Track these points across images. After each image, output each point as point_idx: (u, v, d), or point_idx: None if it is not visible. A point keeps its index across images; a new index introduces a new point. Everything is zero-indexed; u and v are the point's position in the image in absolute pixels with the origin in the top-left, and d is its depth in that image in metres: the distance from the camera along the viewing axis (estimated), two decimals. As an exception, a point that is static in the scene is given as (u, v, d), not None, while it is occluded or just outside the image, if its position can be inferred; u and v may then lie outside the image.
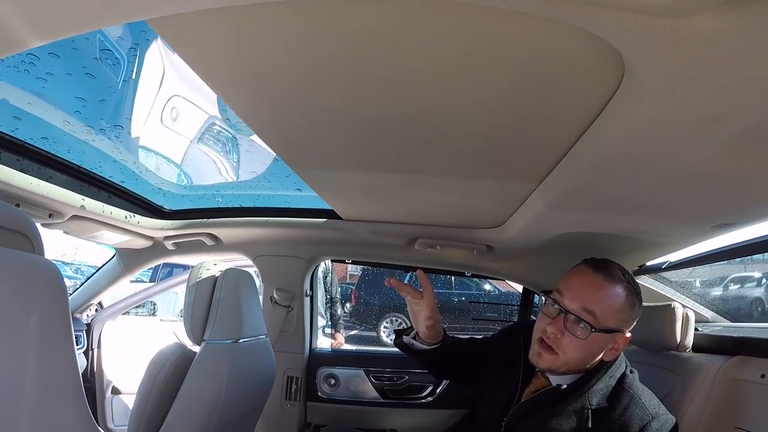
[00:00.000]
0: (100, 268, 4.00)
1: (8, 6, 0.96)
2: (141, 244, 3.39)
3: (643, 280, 3.05)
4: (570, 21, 0.88)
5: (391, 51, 1.15)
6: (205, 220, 3.28)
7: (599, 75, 1.15)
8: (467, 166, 1.90)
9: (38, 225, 1.29)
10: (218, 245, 3.42)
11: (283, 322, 3.35)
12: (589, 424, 1.80)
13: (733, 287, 8.47)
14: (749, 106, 1.09)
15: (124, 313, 4.49)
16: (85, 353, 4.03)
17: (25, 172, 2.23)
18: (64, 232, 2.88)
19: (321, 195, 2.55)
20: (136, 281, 9.43)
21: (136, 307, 5.08)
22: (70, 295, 3.95)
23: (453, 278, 10.96)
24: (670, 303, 2.46)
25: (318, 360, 3.50)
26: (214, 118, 3.32)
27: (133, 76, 2.70)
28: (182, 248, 3.48)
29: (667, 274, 3.05)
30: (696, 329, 2.51)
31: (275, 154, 2.19)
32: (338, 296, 5.23)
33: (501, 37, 1.05)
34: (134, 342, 4.48)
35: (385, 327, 10.88)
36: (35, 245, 1.19)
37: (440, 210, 2.61)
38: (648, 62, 0.97)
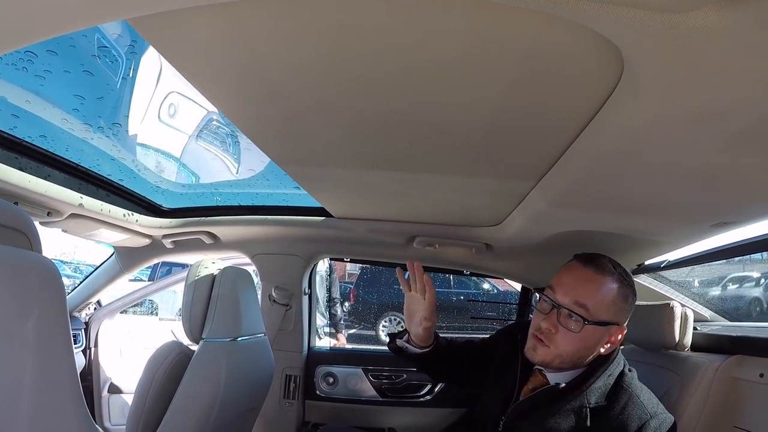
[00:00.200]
0: (99, 266, 3.99)
1: None
2: (139, 242, 3.38)
3: (642, 279, 3.05)
4: (569, 17, 0.88)
5: (387, 47, 1.15)
6: (203, 218, 3.28)
7: (598, 72, 1.15)
8: (465, 163, 1.90)
9: (37, 223, 1.29)
10: (217, 243, 3.41)
11: (282, 320, 3.34)
12: (588, 423, 1.80)
13: (732, 287, 8.49)
14: (749, 104, 1.09)
15: (122, 312, 4.49)
16: (83, 352, 4.02)
17: (23, 171, 2.23)
18: (63, 231, 2.87)
19: (314, 194, 2.55)
20: (135, 280, 9.44)
21: (134, 305, 5.07)
22: (69, 293, 3.96)
23: (451, 277, 10.97)
24: (668, 302, 2.46)
25: (316, 358, 3.50)
26: (212, 116, 3.32)
27: (131, 74, 2.70)
28: (181, 246, 3.48)
29: (666, 274, 3.05)
30: (695, 328, 2.51)
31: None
32: (339, 296, 5.23)
33: (499, 33, 1.05)
34: (132, 341, 4.48)
35: (383, 326, 10.88)
36: (33, 243, 1.19)
37: (439, 208, 2.61)
38: (647, 58, 0.97)
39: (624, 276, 1.93)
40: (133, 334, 4.60)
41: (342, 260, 3.88)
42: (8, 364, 0.99)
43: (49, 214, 2.51)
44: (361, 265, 11.57)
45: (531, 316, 2.00)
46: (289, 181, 2.35)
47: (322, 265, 4.49)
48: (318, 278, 4.20)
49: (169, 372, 2.12)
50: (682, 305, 2.49)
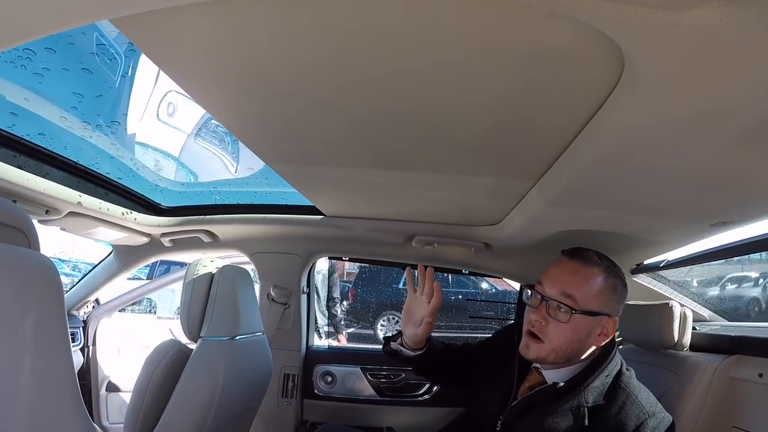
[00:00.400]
0: (97, 264, 3.99)
1: None
2: (138, 240, 3.38)
3: (641, 279, 3.05)
4: (570, 14, 0.87)
5: (385, 46, 1.14)
6: (201, 216, 3.28)
7: (598, 70, 1.15)
8: (465, 162, 1.90)
9: (35, 222, 1.29)
10: (215, 242, 3.41)
11: (280, 319, 3.35)
12: (586, 422, 1.81)
13: (731, 287, 8.50)
14: (750, 103, 1.09)
15: (120, 310, 4.49)
16: (82, 350, 4.02)
17: (22, 169, 2.23)
18: (61, 229, 2.87)
19: (311, 193, 2.56)
20: (133, 278, 9.44)
21: (133, 304, 5.07)
22: (67, 292, 3.96)
23: (450, 276, 10.97)
24: (667, 302, 2.46)
25: (315, 357, 3.50)
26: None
27: (130, 72, 2.70)
28: (179, 245, 3.48)
29: (665, 273, 3.05)
30: (694, 328, 2.51)
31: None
32: (339, 296, 5.23)
33: (498, 31, 1.04)
34: (130, 339, 4.47)
35: (382, 325, 10.87)
36: (31, 240, 1.19)
37: (438, 207, 2.61)
38: (648, 56, 0.97)
39: (611, 267, 1.97)
40: (132, 332, 4.60)
41: (341, 259, 3.87)
42: (7, 362, 0.99)
43: (47, 212, 2.51)
44: (359, 264, 11.58)
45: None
46: (289, 180, 2.36)
47: (324, 265, 4.49)
48: (320, 277, 4.20)
49: (167, 370, 2.12)
50: (681, 305, 2.49)
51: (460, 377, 2.50)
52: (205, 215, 3.28)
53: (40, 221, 2.56)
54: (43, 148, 2.39)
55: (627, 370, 1.96)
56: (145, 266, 11.41)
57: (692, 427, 2.15)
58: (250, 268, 3.23)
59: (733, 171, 1.52)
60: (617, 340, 2.93)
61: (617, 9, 0.82)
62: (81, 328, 4.01)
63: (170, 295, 8.76)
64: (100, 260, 3.97)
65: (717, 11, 0.79)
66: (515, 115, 1.45)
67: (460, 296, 10.84)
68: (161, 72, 1.40)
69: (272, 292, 3.29)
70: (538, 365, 2.04)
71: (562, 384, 1.90)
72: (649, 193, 1.83)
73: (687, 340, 2.44)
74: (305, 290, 3.52)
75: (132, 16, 1.04)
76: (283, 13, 1.05)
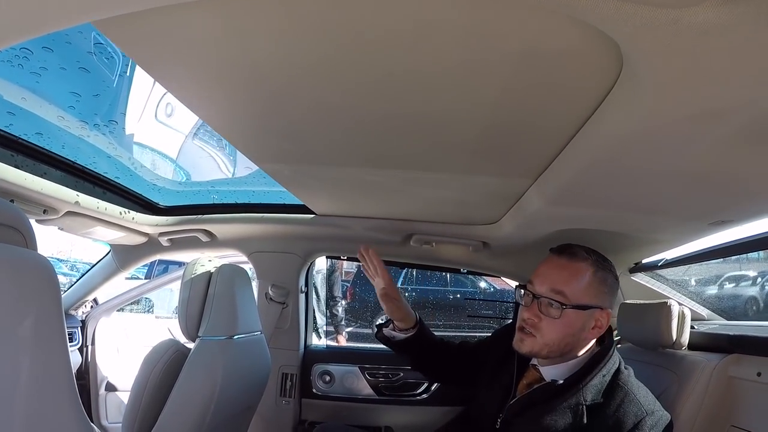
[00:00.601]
0: (95, 264, 3.99)
1: None
2: (136, 240, 3.38)
3: (639, 278, 3.06)
4: (568, 12, 0.87)
5: (383, 46, 1.14)
6: (199, 216, 3.28)
7: (597, 69, 1.15)
8: (463, 162, 1.90)
9: (33, 221, 1.29)
10: (213, 241, 3.42)
11: (278, 318, 3.35)
12: (584, 420, 1.81)
13: (729, 286, 8.51)
14: (749, 101, 1.09)
15: (118, 310, 4.49)
16: (80, 350, 4.02)
17: (19, 168, 2.22)
18: (59, 229, 2.87)
19: (307, 192, 2.56)
20: (131, 278, 9.44)
21: (131, 303, 5.07)
22: (65, 291, 3.96)
23: (449, 276, 10.98)
24: (666, 301, 2.45)
25: (313, 357, 3.50)
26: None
27: (128, 71, 2.69)
28: (177, 244, 3.48)
29: (663, 272, 3.05)
30: (692, 327, 2.51)
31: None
32: (340, 295, 5.22)
33: (496, 31, 1.04)
34: (129, 339, 4.47)
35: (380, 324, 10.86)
36: (28, 240, 1.19)
37: (436, 206, 2.61)
38: (647, 54, 0.97)
39: (599, 261, 1.98)
40: (130, 332, 4.60)
41: (339, 258, 3.88)
42: (4, 361, 0.99)
43: (45, 212, 2.51)
44: (358, 263, 11.56)
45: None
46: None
47: (323, 264, 4.50)
48: (319, 277, 4.21)
49: (166, 370, 2.12)
50: (680, 304, 2.49)
51: (457, 374, 2.52)
52: (203, 214, 3.29)
53: (37, 221, 2.56)
54: (40, 147, 2.39)
55: (625, 368, 1.96)
56: (144, 266, 11.42)
57: (690, 425, 2.15)
58: (248, 267, 3.22)
59: (732, 170, 1.52)
60: (615, 339, 2.93)
61: (616, 7, 0.82)
62: (79, 328, 4.01)
63: (168, 294, 8.77)
64: (98, 260, 3.97)
65: (715, 9, 0.79)
66: (513, 115, 1.45)
67: (458, 296, 10.86)
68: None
69: (270, 292, 3.29)
70: (535, 363, 2.06)
71: (560, 382, 1.91)
72: (647, 192, 1.83)
73: (685, 339, 2.44)
74: (303, 289, 3.52)
75: (113, 18, 1.04)
76: (275, 11, 1.05)
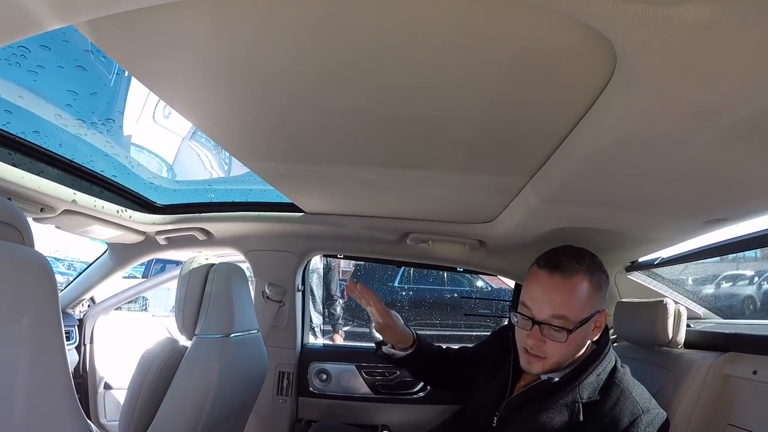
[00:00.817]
0: (92, 263, 3.99)
1: None
2: (133, 238, 3.39)
3: (636, 276, 3.06)
4: (562, 10, 0.88)
5: (378, 43, 1.15)
6: (196, 214, 3.28)
7: (591, 67, 1.15)
8: (458, 160, 1.91)
9: (30, 220, 1.29)
10: (210, 240, 3.42)
11: (275, 317, 3.35)
12: (581, 418, 1.81)
13: (726, 285, 8.52)
14: (742, 99, 1.09)
15: (116, 309, 4.49)
16: (77, 349, 4.02)
17: (16, 167, 2.23)
18: (56, 227, 2.87)
19: (300, 190, 2.57)
20: (128, 277, 9.43)
21: (128, 302, 5.07)
22: (62, 290, 3.96)
23: (446, 275, 10.99)
24: (662, 299, 2.46)
25: (310, 355, 3.51)
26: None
27: (125, 70, 2.69)
28: (174, 243, 3.49)
29: (660, 271, 3.06)
30: (688, 326, 2.52)
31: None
32: (337, 294, 5.21)
33: (491, 29, 1.04)
34: (127, 337, 4.47)
35: (378, 323, 10.86)
36: (25, 237, 1.19)
37: (432, 205, 2.61)
38: (640, 53, 0.97)
39: (590, 264, 1.92)
40: (128, 330, 4.59)
41: (335, 257, 3.88)
42: (3, 358, 0.99)
43: (42, 210, 2.51)
44: (354, 262, 11.59)
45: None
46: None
47: (319, 263, 4.50)
48: (314, 276, 4.21)
49: (162, 368, 2.13)
50: (676, 302, 2.49)
51: (457, 381, 2.52)
52: (200, 213, 3.29)
53: (35, 219, 2.56)
54: (37, 145, 2.39)
55: (622, 366, 1.96)
56: (141, 265, 11.41)
57: (686, 423, 2.15)
58: (245, 266, 3.23)
59: (726, 168, 1.53)
60: (612, 337, 2.94)
61: (608, 5, 0.83)
62: (76, 327, 4.01)
63: (165, 293, 8.75)
64: (95, 258, 3.97)
65: (707, 7, 0.80)
66: (508, 113, 1.46)
67: (455, 295, 10.87)
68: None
69: (267, 290, 3.30)
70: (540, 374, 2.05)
71: (557, 379, 1.91)
72: (642, 190, 1.83)
73: (681, 337, 2.44)
74: (300, 288, 3.52)
75: (98, 20, 1.04)
76: (264, 7, 1.05)
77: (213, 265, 2.31)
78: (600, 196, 1.96)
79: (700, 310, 3.04)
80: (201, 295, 2.25)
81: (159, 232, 3.36)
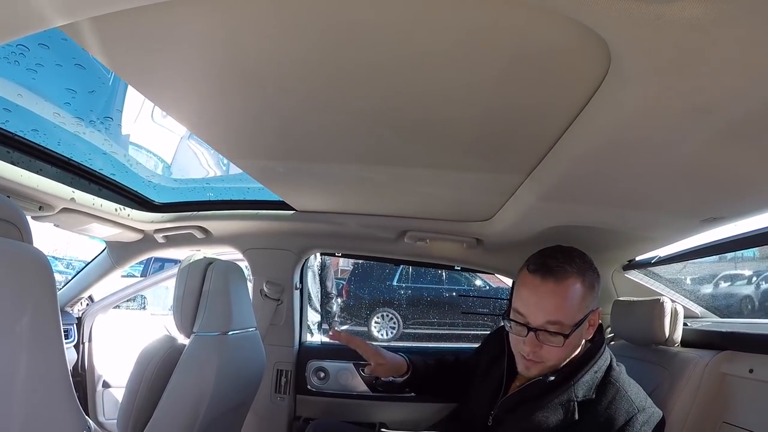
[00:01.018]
0: (91, 261, 3.99)
1: None
2: (131, 237, 3.39)
3: (633, 275, 3.07)
4: (556, 8, 0.88)
5: (373, 41, 1.15)
6: (195, 213, 3.29)
7: (586, 65, 1.15)
8: (455, 158, 1.91)
9: (29, 218, 1.29)
10: (208, 238, 3.43)
11: (273, 315, 3.36)
12: (576, 416, 1.81)
13: (724, 285, 8.54)
14: (736, 97, 1.10)
15: (114, 307, 4.49)
16: (76, 347, 4.03)
17: (15, 165, 2.23)
18: (55, 225, 2.87)
19: (298, 189, 2.58)
20: (127, 276, 9.45)
21: (127, 301, 5.08)
22: (61, 289, 3.96)
23: (444, 274, 11.01)
24: (658, 297, 2.46)
25: (308, 353, 3.51)
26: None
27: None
28: (172, 241, 3.49)
29: (658, 271, 3.06)
30: (685, 324, 2.52)
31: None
32: (334, 291, 5.22)
33: (486, 27, 1.05)
34: (125, 336, 4.48)
35: (376, 322, 10.89)
36: (24, 234, 1.19)
37: (429, 203, 2.62)
38: (633, 50, 0.98)
39: (581, 264, 1.89)
40: (127, 329, 4.60)
41: (333, 255, 3.89)
42: (3, 355, 1.00)
43: (41, 208, 2.51)
44: (353, 261, 11.62)
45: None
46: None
47: (314, 261, 4.50)
48: (310, 273, 4.21)
49: (161, 366, 2.13)
50: (673, 301, 2.49)
51: (458, 391, 2.51)
52: (199, 211, 3.29)
53: (33, 218, 2.56)
54: (36, 144, 2.40)
55: (617, 365, 1.95)
56: (140, 263, 11.43)
57: (682, 422, 2.16)
58: (243, 265, 3.23)
59: (722, 165, 1.54)
60: (609, 336, 2.94)
61: (601, 3, 0.83)
62: (75, 325, 4.02)
63: (164, 292, 8.77)
64: (94, 257, 3.97)
65: (699, 5, 0.80)
66: (505, 110, 1.46)
67: (453, 293, 10.89)
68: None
69: (265, 288, 3.30)
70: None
71: (552, 378, 1.90)
72: (638, 187, 1.84)
73: (678, 335, 2.44)
74: (298, 286, 3.53)
75: (84, 21, 1.04)
76: (249, 3, 1.06)
77: (211, 263, 2.31)
78: (597, 194, 1.96)
79: (697, 309, 3.04)
80: (199, 293, 2.25)
81: (157, 231, 3.36)
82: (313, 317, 4.36)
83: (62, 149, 2.55)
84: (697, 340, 2.44)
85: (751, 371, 2.02)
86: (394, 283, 11.08)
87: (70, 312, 4.01)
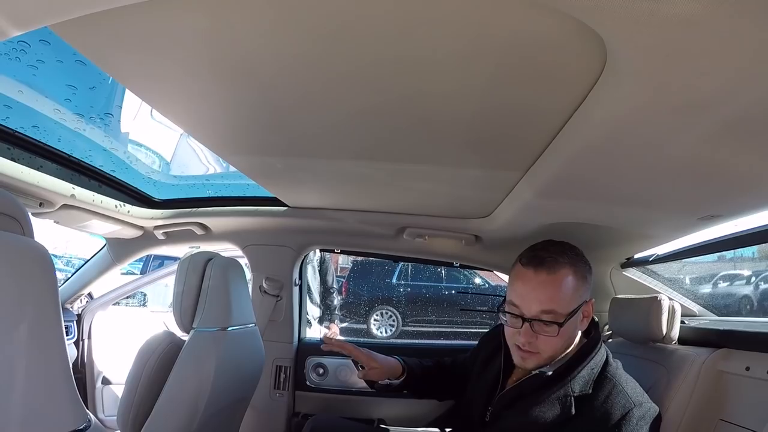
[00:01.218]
0: (90, 258, 4.00)
1: None
2: (131, 233, 3.40)
3: (631, 273, 3.07)
4: (551, 4, 0.89)
5: (370, 38, 1.16)
6: (194, 209, 3.30)
7: (582, 61, 1.16)
8: (453, 154, 1.92)
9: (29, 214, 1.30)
10: (208, 234, 3.43)
11: (272, 311, 3.37)
12: (572, 411, 1.82)
13: (723, 284, 8.54)
14: (731, 93, 1.10)
15: (114, 304, 4.50)
16: (76, 344, 4.04)
17: (15, 161, 2.24)
18: (55, 222, 2.88)
19: (296, 186, 2.59)
20: (127, 273, 9.45)
21: (126, 297, 5.08)
22: (61, 286, 3.96)
23: (443, 272, 11.01)
24: (656, 295, 2.46)
25: (307, 349, 3.52)
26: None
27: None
28: (172, 238, 3.49)
29: (656, 269, 3.07)
30: (682, 322, 2.52)
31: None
32: (334, 286, 5.21)
33: (482, 23, 1.06)
34: (125, 332, 4.48)
35: (375, 319, 10.90)
36: (25, 228, 1.20)
37: (428, 199, 2.63)
38: (628, 46, 0.98)
39: (574, 257, 1.93)
40: (127, 325, 4.60)
41: (332, 251, 3.90)
42: (3, 347, 1.00)
43: (41, 204, 2.52)
44: (352, 259, 11.63)
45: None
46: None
47: (313, 256, 4.51)
48: (309, 268, 4.22)
49: (160, 362, 2.13)
50: (670, 299, 2.50)
51: (456, 391, 2.54)
52: (198, 208, 3.30)
53: (34, 214, 2.57)
54: (36, 140, 2.41)
55: (614, 361, 1.96)
56: (139, 260, 11.42)
57: (679, 419, 2.16)
58: (243, 262, 3.24)
59: (719, 162, 1.54)
60: (607, 333, 2.95)
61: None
62: (75, 322, 4.03)
63: (163, 289, 8.77)
64: (94, 254, 3.97)
65: (693, 1, 0.81)
66: (501, 106, 1.47)
67: (452, 291, 10.90)
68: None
69: (264, 284, 3.30)
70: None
71: (549, 373, 1.91)
72: (636, 184, 1.85)
73: (675, 333, 2.45)
74: (297, 282, 3.54)
75: (72, 20, 1.04)
76: (260, 3, 1.06)
77: (210, 259, 2.32)
78: (594, 190, 1.97)
79: (695, 307, 3.05)
80: (198, 289, 2.26)
81: (157, 227, 3.37)
82: (313, 311, 4.37)
83: (63, 146, 2.56)
84: (695, 337, 2.44)
85: (747, 369, 2.02)
86: (393, 281, 11.08)
87: (70, 309, 4.02)
